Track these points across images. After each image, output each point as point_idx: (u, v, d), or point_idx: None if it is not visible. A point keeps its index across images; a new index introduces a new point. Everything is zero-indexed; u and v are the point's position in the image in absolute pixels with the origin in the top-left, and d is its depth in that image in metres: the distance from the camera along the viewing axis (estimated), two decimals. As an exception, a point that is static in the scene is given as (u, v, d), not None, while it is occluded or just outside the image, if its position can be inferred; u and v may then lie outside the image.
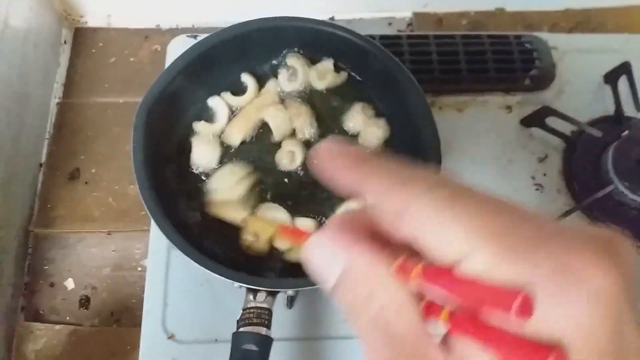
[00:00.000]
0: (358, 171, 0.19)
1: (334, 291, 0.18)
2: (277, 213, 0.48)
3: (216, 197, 0.48)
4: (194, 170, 0.51)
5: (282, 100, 0.54)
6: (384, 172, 0.19)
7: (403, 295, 0.18)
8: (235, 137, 0.52)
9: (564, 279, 0.15)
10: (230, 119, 0.53)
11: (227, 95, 0.53)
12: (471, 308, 0.17)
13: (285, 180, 0.51)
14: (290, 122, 0.52)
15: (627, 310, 0.16)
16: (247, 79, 0.54)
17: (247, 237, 0.46)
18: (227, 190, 0.48)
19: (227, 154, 0.52)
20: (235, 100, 0.53)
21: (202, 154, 0.51)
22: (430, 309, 0.18)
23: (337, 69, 0.55)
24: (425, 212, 0.17)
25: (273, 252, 0.48)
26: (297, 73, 0.54)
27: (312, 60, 0.55)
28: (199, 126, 0.52)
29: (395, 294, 0.18)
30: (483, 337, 0.17)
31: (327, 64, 0.54)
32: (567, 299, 0.15)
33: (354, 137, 0.53)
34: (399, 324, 0.17)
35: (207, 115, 0.53)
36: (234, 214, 0.47)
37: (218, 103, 0.53)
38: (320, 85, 0.54)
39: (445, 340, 0.18)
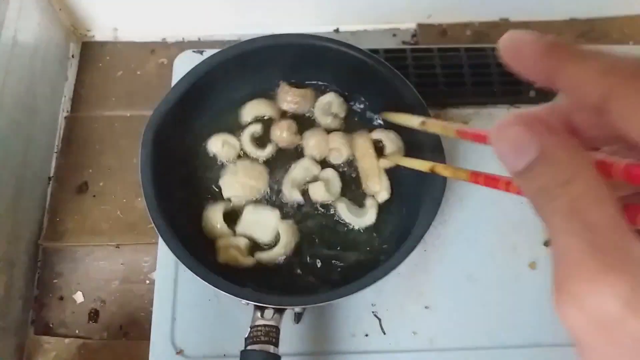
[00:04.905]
0: (553, 58, 0.18)
1: (523, 174, 0.18)
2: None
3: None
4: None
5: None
6: (582, 58, 0.18)
7: (603, 188, 0.16)
8: None
9: None
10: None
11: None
12: None
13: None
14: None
15: None
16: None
17: None
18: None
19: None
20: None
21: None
22: (628, 209, 0.17)
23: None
24: (635, 99, 0.16)
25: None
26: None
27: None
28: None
29: (596, 185, 0.16)
30: None
31: (330, 96, 0.55)
32: None
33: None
34: (596, 214, 0.16)
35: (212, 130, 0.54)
36: None
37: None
38: (327, 120, 0.55)
39: None
